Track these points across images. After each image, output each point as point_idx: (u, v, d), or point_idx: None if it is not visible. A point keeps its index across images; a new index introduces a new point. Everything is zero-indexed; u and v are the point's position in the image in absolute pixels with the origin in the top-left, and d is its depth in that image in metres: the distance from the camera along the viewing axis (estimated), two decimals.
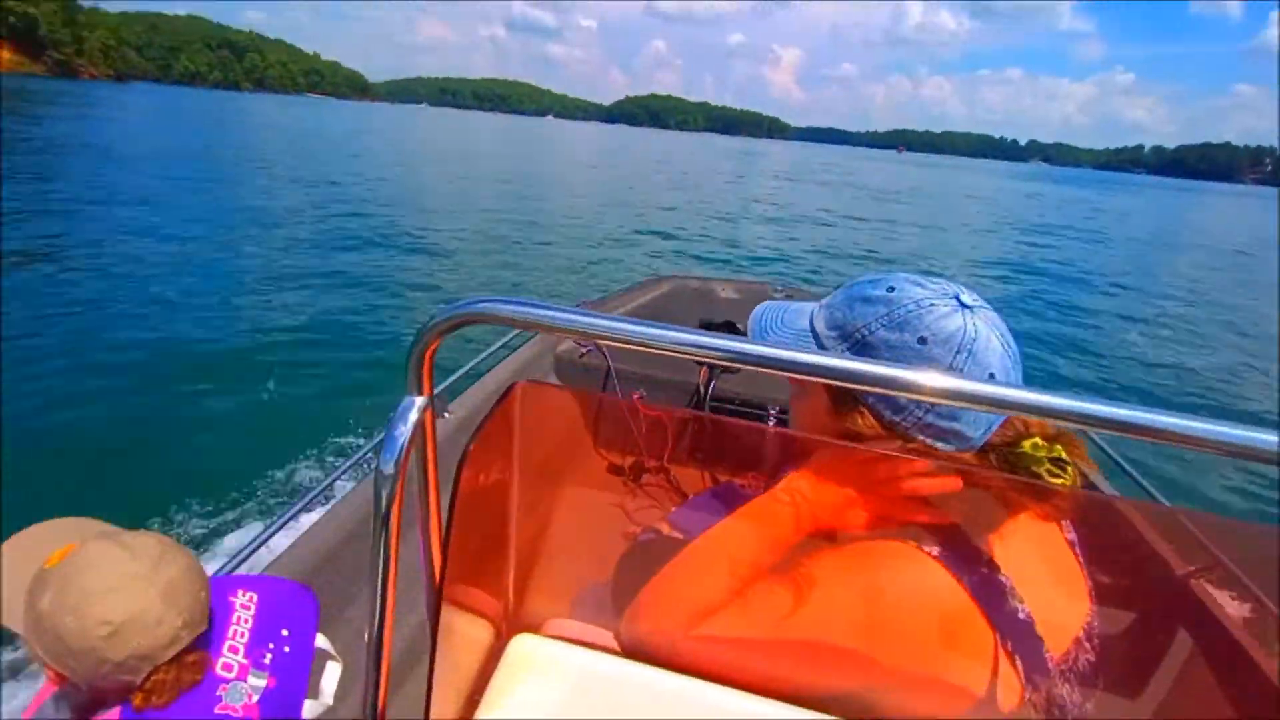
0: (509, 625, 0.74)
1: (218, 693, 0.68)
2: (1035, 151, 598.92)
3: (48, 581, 0.62)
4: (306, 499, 1.42)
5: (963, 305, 0.59)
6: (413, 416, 0.49)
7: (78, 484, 3.48)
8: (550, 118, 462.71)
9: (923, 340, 0.57)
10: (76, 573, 0.62)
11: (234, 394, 4.72)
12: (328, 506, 1.54)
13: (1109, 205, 47.28)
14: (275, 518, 1.35)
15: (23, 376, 4.57)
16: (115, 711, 0.65)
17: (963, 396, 0.41)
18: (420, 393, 0.50)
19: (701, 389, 1.98)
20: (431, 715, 0.55)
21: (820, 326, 0.64)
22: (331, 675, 0.80)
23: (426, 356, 0.50)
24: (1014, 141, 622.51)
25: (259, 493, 3.44)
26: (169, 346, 5.56)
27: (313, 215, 11.94)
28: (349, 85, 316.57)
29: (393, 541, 0.50)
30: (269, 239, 9.90)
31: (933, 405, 0.57)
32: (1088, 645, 0.58)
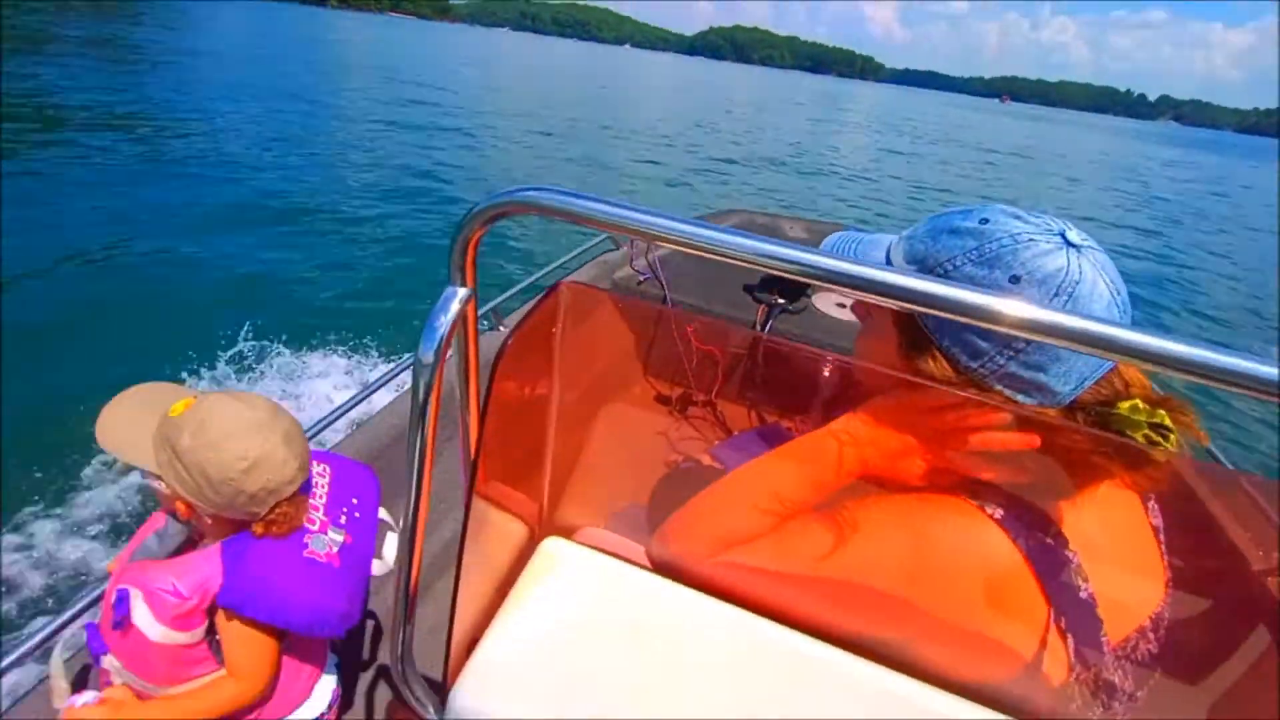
0: (542, 528, 0.75)
1: (304, 539, 0.80)
2: (1166, 108, 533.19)
3: (181, 426, 0.71)
4: (373, 386, 1.45)
5: (1068, 243, 0.51)
6: (454, 308, 0.50)
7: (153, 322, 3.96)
8: (627, 47, 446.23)
9: (1015, 279, 0.51)
10: (210, 417, 0.71)
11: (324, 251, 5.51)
12: (396, 392, 1.60)
13: (1245, 176, 41.20)
14: (346, 398, 1.44)
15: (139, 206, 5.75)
16: (234, 539, 0.77)
17: (1058, 332, 0.37)
18: (462, 284, 0.51)
19: (759, 328, 1.93)
20: (458, 604, 0.57)
21: (898, 259, 0.58)
22: (391, 543, 0.94)
23: (470, 247, 0.50)
24: (1141, 96, 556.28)
25: (336, 354, 3.75)
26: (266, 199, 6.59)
27: (386, 124, 12.61)
28: (430, 5, 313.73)
29: (429, 432, 0.51)
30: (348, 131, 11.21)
31: (1016, 352, 0.51)
32: (1151, 635, 0.54)
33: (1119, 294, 0.51)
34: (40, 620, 1.63)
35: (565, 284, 0.61)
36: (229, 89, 13.27)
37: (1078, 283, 0.50)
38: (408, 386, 1.56)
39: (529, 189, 0.47)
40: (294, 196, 6.91)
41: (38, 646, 0.86)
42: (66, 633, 0.87)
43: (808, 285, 2.01)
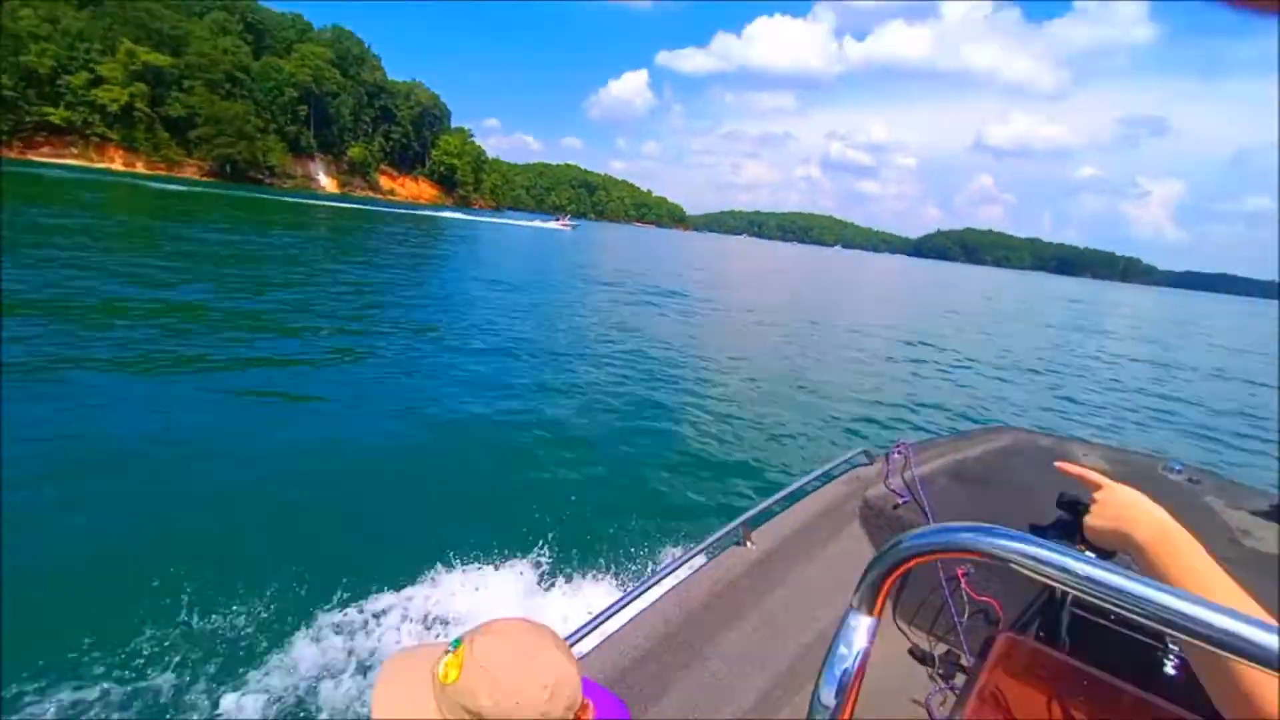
0: None
1: None
2: None
3: (471, 689, 0.68)
4: (628, 597, 1.42)
5: None
6: (858, 640, 0.51)
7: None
8: (838, 248, 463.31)
9: None
10: (494, 666, 0.69)
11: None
12: (652, 599, 1.54)
13: None
14: (603, 608, 1.39)
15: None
16: None
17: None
18: (869, 613, 0.52)
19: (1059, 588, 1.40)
20: None
21: None
22: None
23: (888, 581, 0.51)
24: None
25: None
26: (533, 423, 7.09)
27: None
28: (670, 216, 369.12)
29: None
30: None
31: None
32: None
33: None
34: None
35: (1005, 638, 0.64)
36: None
37: None
38: (652, 602, 1.52)
39: (961, 530, 0.47)
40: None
41: None
42: None
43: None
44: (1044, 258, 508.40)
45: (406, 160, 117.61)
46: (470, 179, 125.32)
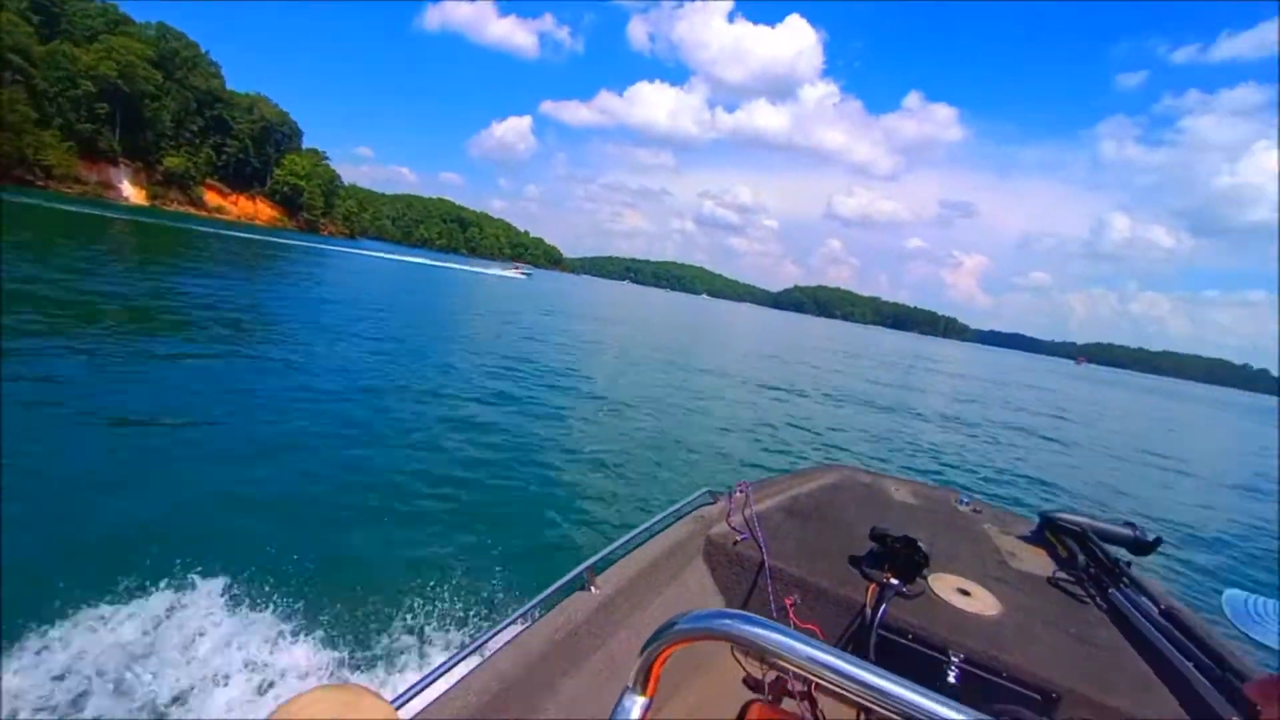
0: None
1: None
2: None
3: None
4: (463, 653, 1.39)
5: None
6: (632, 715, 0.57)
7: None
8: (705, 295, 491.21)
9: None
10: None
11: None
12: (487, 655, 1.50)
13: None
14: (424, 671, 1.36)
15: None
16: None
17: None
18: (643, 693, 0.58)
19: (869, 611, 1.79)
20: None
21: None
22: None
23: (659, 662, 0.57)
24: (1264, 371, 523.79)
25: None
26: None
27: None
28: (546, 257, 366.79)
29: None
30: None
31: None
32: None
33: None
34: None
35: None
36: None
37: None
38: (488, 656, 1.48)
39: (726, 616, 0.53)
40: None
41: None
42: None
43: (925, 564, 1.89)
44: (883, 314, 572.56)
45: (244, 178, 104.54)
46: (319, 202, 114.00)
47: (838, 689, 0.54)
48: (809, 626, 1.67)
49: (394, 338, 15.33)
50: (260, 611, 3.50)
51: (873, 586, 1.83)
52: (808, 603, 1.91)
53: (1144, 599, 2.02)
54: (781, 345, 41.43)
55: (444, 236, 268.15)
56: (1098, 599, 2.12)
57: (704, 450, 9.31)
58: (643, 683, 0.57)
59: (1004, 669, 1.66)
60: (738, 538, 2.11)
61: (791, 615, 1.63)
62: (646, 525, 2.08)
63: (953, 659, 1.66)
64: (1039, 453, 14.81)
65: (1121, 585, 2.13)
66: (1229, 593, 0.61)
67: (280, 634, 3.34)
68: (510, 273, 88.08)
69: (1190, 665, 1.68)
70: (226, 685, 2.96)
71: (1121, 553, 2.34)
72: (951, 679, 1.63)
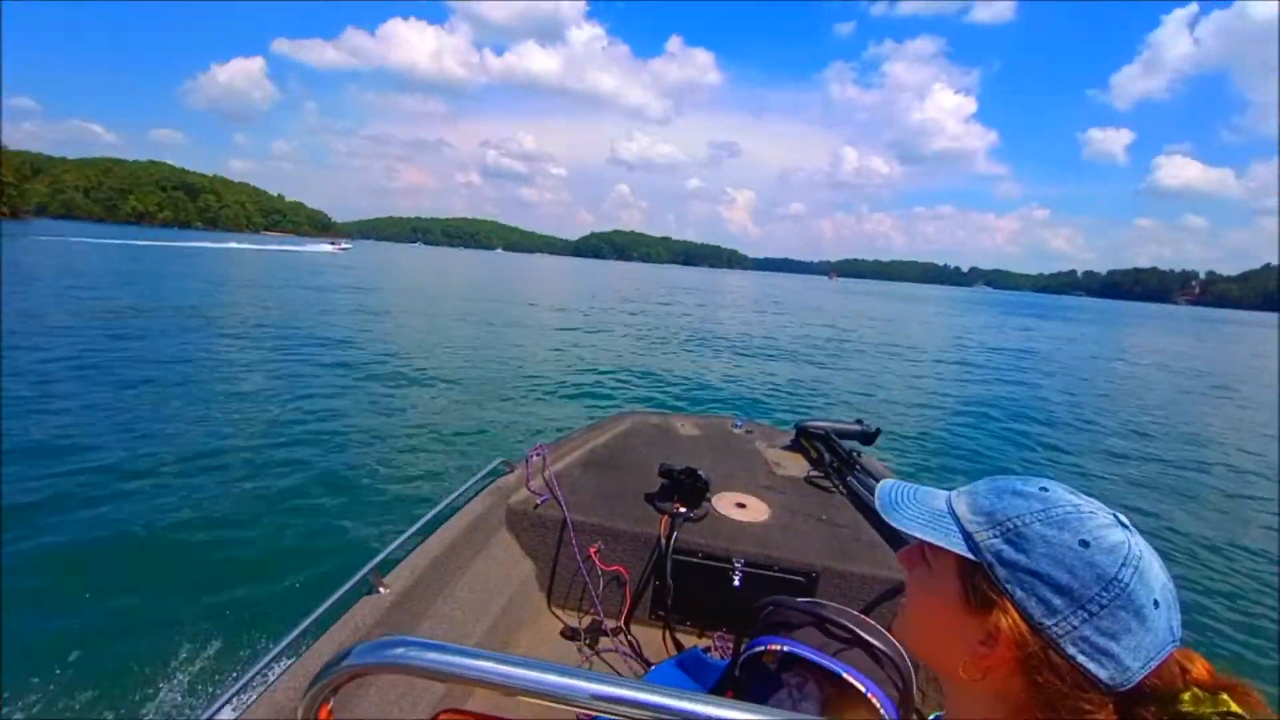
0: None
1: None
2: (978, 277, 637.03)
3: None
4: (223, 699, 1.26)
5: (1121, 523, 0.54)
6: None
7: None
8: (500, 250, 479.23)
9: (1084, 544, 0.51)
10: None
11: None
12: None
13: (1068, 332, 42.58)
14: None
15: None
16: None
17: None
18: None
19: (663, 540, 1.96)
20: None
21: (962, 510, 0.59)
22: None
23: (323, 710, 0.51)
24: (958, 268, 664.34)
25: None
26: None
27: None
28: (311, 224, 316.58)
29: None
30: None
31: (1090, 615, 0.50)
32: None
33: (1169, 580, 0.52)
34: None
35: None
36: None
37: (1140, 558, 0.51)
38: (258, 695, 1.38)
39: (401, 645, 0.49)
40: None
41: None
42: None
43: (707, 489, 2.13)
44: (675, 252, 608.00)
45: None
46: None
47: (530, 698, 0.52)
48: (615, 568, 1.82)
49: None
50: None
51: (665, 518, 2.00)
52: (610, 547, 2.03)
53: (871, 480, 2.39)
54: (578, 295, 39.57)
55: (167, 208, 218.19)
56: (839, 488, 2.50)
57: (505, 416, 8.56)
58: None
59: (775, 563, 1.93)
60: (538, 500, 2.16)
61: (597, 561, 1.75)
62: (439, 509, 1.97)
63: (736, 565, 1.92)
64: (805, 365, 15.44)
65: (856, 472, 2.50)
66: (881, 484, 0.67)
67: None
68: (331, 248, 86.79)
69: None
70: None
71: (856, 445, 2.78)
72: (736, 582, 1.89)
